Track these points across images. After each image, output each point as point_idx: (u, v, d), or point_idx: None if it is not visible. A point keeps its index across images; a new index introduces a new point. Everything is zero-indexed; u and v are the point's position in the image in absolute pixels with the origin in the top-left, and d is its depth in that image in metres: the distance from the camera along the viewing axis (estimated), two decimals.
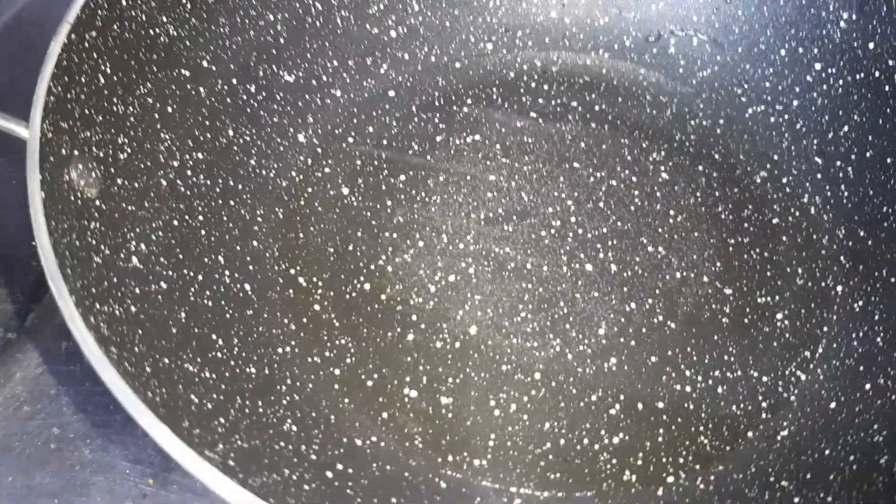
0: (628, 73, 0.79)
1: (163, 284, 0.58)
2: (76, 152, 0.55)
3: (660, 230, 0.69)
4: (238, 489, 0.40)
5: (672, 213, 0.70)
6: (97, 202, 0.56)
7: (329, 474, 0.54)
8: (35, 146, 0.51)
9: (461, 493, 0.57)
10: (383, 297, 0.66)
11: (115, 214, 0.57)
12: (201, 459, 0.41)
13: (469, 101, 0.78)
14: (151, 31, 0.63)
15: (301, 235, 0.69)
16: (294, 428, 0.56)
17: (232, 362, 0.58)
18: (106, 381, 0.43)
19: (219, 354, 0.58)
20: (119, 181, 0.59)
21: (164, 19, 0.64)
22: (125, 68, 0.61)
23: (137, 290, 0.55)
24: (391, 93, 0.78)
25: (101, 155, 0.58)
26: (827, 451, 0.57)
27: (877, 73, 0.69)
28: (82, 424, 0.66)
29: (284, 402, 0.58)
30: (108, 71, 0.60)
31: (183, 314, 0.58)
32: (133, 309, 0.54)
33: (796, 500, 0.54)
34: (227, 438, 0.51)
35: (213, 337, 0.59)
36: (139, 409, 0.42)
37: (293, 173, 0.72)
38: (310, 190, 0.72)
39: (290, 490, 0.50)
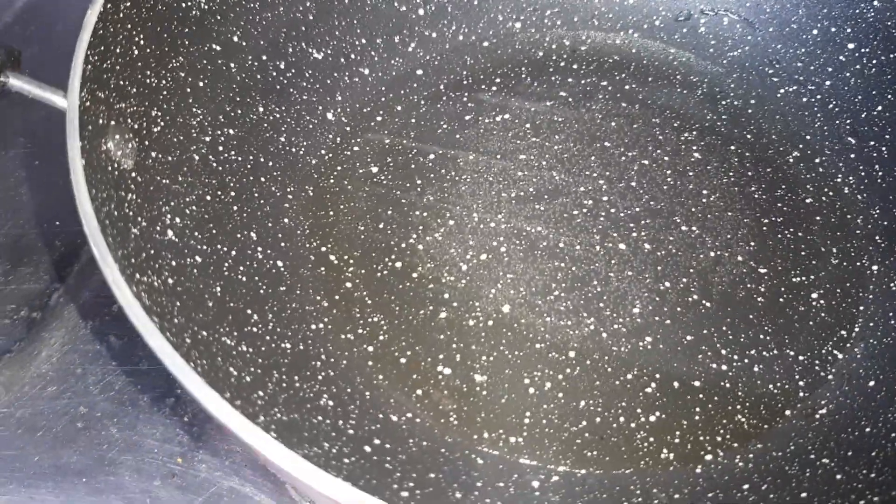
0: (658, 52, 0.78)
1: (197, 258, 0.58)
2: (113, 122, 0.55)
3: (693, 209, 0.69)
4: (289, 454, 0.39)
5: (705, 192, 0.70)
6: (133, 174, 0.55)
7: (367, 448, 0.53)
8: (75, 113, 0.50)
9: (498, 469, 0.57)
10: (415, 275, 0.66)
11: (150, 187, 0.57)
12: (250, 423, 0.40)
13: (498, 80, 0.77)
14: (183, 4, 0.63)
15: (331, 213, 0.69)
16: (331, 403, 0.56)
17: (267, 337, 0.58)
18: (153, 347, 0.42)
19: (254, 329, 0.57)
20: (153, 154, 0.58)
21: None
22: (158, 41, 0.61)
23: (174, 263, 0.55)
24: (419, 72, 0.77)
25: (137, 127, 0.57)
26: (868, 429, 0.56)
27: None
28: (109, 403, 0.66)
29: (320, 377, 0.58)
30: (142, 42, 0.59)
31: (218, 288, 0.57)
32: (171, 281, 0.53)
33: (839, 476, 0.54)
34: (267, 411, 0.50)
35: (248, 312, 0.58)
36: (187, 374, 0.41)
37: (323, 151, 0.71)
38: (339, 168, 0.71)
39: (330, 462, 0.50)
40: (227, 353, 0.53)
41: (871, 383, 0.59)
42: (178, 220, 0.58)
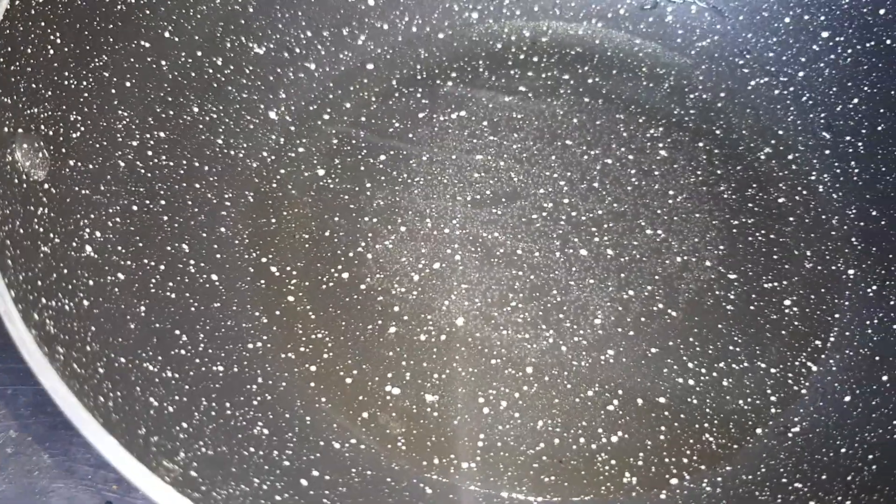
0: (623, 43, 0.74)
1: (120, 276, 0.53)
2: (21, 130, 0.50)
3: (658, 211, 0.65)
4: None
5: (671, 192, 0.66)
6: (46, 185, 0.51)
7: (304, 482, 0.49)
8: None
9: (448, 499, 0.53)
10: (363, 286, 0.62)
11: (66, 199, 0.52)
12: (153, 476, 0.36)
13: (453, 74, 0.73)
14: None
15: (273, 221, 0.64)
16: (265, 431, 0.52)
17: (197, 360, 0.53)
18: (46, 387, 0.38)
19: (182, 352, 0.53)
20: (71, 162, 0.54)
21: None
22: (78, 39, 0.56)
23: (91, 283, 0.51)
24: (370, 66, 0.73)
25: (51, 133, 0.53)
26: (843, 450, 0.53)
27: (888, 41, 0.64)
28: (41, 427, 0.62)
29: (255, 402, 0.54)
30: (59, 41, 0.54)
31: (143, 308, 0.53)
32: (86, 303, 0.49)
33: (812, 503, 0.50)
34: (190, 445, 0.46)
35: (177, 332, 0.54)
36: (82, 417, 0.37)
37: (264, 153, 0.67)
38: (282, 171, 0.67)
39: (259, 501, 0.46)
40: (149, 381, 0.49)
41: (847, 398, 0.56)
42: (98, 234, 0.53)
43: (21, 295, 0.43)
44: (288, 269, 0.62)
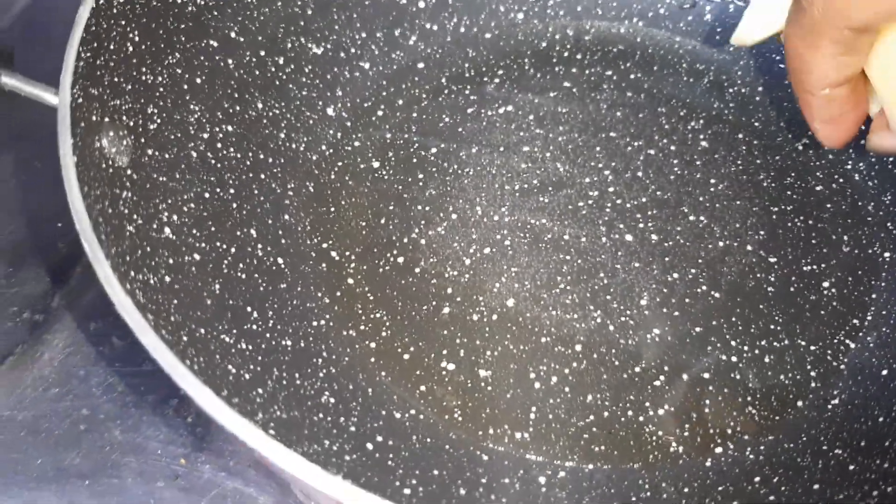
0: (663, 41, 0.77)
1: (196, 256, 0.57)
2: (107, 119, 0.54)
3: (701, 199, 0.67)
4: (286, 451, 0.38)
5: (713, 181, 0.68)
6: (129, 171, 0.55)
7: (370, 446, 0.53)
8: (66, 110, 0.49)
9: (504, 465, 0.56)
10: (417, 270, 0.65)
11: (146, 184, 0.56)
12: (247, 421, 0.39)
13: (500, 72, 0.76)
14: (179, 0, 0.62)
15: (332, 209, 0.68)
16: (332, 400, 0.55)
17: (267, 334, 0.57)
18: (145, 344, 0.42)
19: (254, 327, 0.57)
20: (150, 151, 0.57)
21: None
22: (153, 37, 0.60)
23: (171, 261, 0.54)
24: (420, 65, 0.76)
25: (132, 124, 0.57)
26: (881, 419, 0.55)
27: None
28: (112, 405, 0.65)
29: (321, 374, 0.57)
30: (137, 39, 0.58)
31: (217, 286, 0.57)
32: (167, 279, 0.53)
33: (851, 467, 0.52)
34: (266, 409, 0.50)
35: (248, 309, 0.57)
36: (180, 371, 0.40)
37: (323, 147, 0.70)
38: (340, 164, 0.70)
39: (331, 460, 0.49)
40: (226, 350, 0.52)
41: (884, 372, 0.58)
42: (175, 217, 0.57)
43: (114, 266, 0.46)
44: (347, 253, 0.65)
